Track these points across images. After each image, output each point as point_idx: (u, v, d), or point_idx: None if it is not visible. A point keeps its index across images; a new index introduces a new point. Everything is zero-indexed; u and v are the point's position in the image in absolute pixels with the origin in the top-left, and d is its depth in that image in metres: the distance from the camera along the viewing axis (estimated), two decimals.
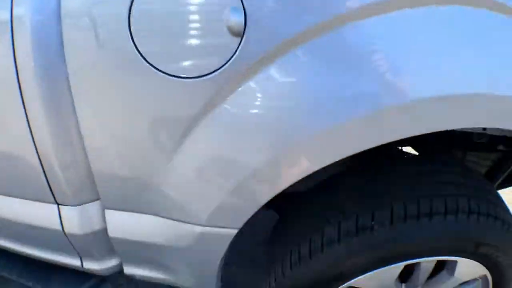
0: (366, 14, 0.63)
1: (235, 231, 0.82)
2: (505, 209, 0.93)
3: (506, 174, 1.21)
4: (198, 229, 0.83)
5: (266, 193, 0.75)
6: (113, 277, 1.54)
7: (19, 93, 0.78)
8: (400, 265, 0.88)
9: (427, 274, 0.95)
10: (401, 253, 0.85)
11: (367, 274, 0.88)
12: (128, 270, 1.00)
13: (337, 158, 0.70)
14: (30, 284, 1.07)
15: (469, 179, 0.93)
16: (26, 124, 0.80)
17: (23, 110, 0.79)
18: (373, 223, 0.82)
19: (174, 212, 0.84)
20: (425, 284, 1.00)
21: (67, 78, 0.74)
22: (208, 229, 0.82)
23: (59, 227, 0.93)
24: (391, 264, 0.87)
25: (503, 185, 1.43)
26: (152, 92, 0.73)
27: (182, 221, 0.84)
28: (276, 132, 0.70)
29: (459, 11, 0.67)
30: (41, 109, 0.77)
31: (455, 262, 0.91)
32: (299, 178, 0.72)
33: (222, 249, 0.84)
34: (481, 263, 0.93)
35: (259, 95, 0.70)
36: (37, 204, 0.93)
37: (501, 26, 0.69)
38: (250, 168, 0.73)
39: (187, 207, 0.82)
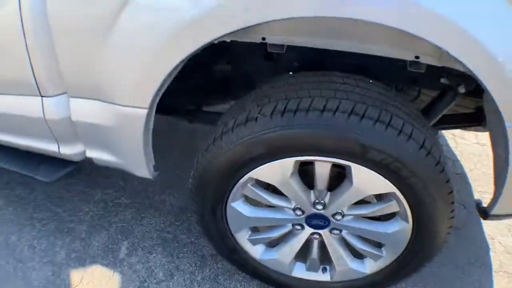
0: None
1: (145, 111, 1.05)
2: (410, 123, 0.97)
3: (446, 109, 1.24)
4: (121, 109, 1.08)
5: (160, 72, 0.97)
6: (102, 184, 1.90)
7: (21, 26, 1.08)
8: (290, 161, 1.02)
9: (325, 178, 1.06)
10: (283, 146, 0.99)
11: (262, 166, 1.04)
12: (89, 153, 1.29)
13: (213, 37, 0.88)
14: (23, 172, 1.43)
15: (371, 91, 1.01)
16: (24, 44, 1.11)
17: (23, 35, 1.09)
18: (258, 115, 0.98)
19: (107, 96, 1.10)
20: (333, 193, 1.11)
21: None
22: (126, 109, 1.07)
23: (41, 115, 1.24)
24: (280, 157, 1.01)
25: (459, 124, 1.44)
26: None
27: (112, 103, 1.09)
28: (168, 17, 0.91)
29: None
30: (33, 33, 1.08)
31: (350, 168, 1.01)
32: (185, 55, 0.92)
33: (139, 128, 1.08)
34: (383, 176, 0.99)
35: None
36: (27, 98, 1.25)
37: None
38: (152, 49, 0.95)
39: (114, 90, 1.07)
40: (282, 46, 1.12)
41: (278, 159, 1.02)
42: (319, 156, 1.00)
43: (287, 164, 1.03)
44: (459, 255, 1.62)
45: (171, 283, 1.47)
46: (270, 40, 1.08)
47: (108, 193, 1.89)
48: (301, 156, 1.01)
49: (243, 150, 1.02)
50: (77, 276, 1.50)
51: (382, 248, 1.22)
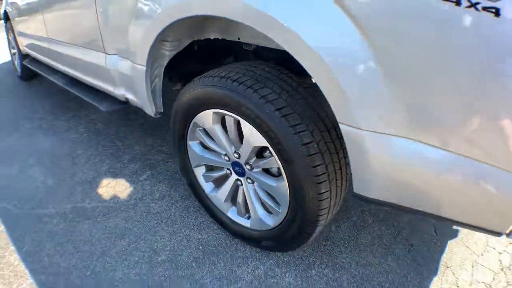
0: None
1: (144, 68, 1.76)
2: (278, 94, 1.30)
3: None
4: (135, 66, 1.81)
5: (147, 41, 1.67)
6: (156, 135, 2.70)
7: (95, 10, 1.96)
8: (209, 112, 1.54)
9: (233, 129, 1.53)
10: (202, 100, 1.52)
11: (198, 114, 1.61)
12: (126, 95, 2.09)
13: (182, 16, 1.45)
14: (92, 101, 2.32)
15: (268, 73, 1.41)
16: (97, 21, 1.98)
17: (96, 16, 1.98)
18: (196, 78, 1.59)
19: (131, 57, 1.85)
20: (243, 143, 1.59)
21: None
22: (135, 65, 1.80)
23: (104, 65, 2.11)
24: (204, 108, 1.56)
25: None
26: None
27: (132, 62, 1.85)
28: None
29: None
30: (101, 14, 1.94)
31: (239, 121, 1.44)
32: (158, 32, 1.59)
33: (143, 79, 1.80)
34: (257, 129, 1.35)
35: None
36: (98, 53, 2.13)
37: None
38: (144, 27, 1.66)
39: (133, 53, 1.83)
40: (250, 44, 1.69)
41: (204, 110, 1.56)
42: (222, 109, 1.47)
43: (208, 114, 1.55)
44: (398, 265, 1.72)
45: (159, 202, 2.15)
46: (242, 39, 1.64)
47: (157, 142, 2.71)
48: (214, 108, 1.50)
49: (187, 100, 1.60)
50: (106, 181, 2.32)
51: (280, 206, 1.52)
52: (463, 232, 1.95)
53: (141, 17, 1.67)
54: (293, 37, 1.12)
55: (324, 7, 1.06)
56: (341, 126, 1.17)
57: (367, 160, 1.17)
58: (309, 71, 1.15)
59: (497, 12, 0.86)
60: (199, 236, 1.91)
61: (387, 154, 1.13)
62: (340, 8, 1.03)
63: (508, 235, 1.12)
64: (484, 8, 0.87)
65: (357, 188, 1.28)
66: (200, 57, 2.09)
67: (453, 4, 0.89)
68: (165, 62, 1.84)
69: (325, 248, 1.84)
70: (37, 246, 1.91)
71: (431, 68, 0.97)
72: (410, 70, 1.00)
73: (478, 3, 0.87)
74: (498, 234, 1.12)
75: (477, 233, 1.95)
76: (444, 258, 1.79)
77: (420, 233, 1.93)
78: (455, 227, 2.00)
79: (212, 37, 1.75)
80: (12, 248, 1.92)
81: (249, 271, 1.70)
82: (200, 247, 1.84)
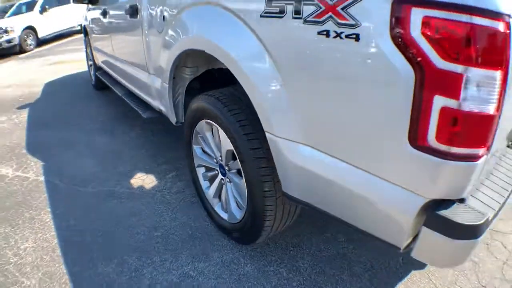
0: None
1: (167, 85, 2.34)
2: (242, 110, 1.71)
3: None
4: (162, 83, 2.42)
5: (169, 65, 2.24)
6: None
7: (143, 40, 2.64)
8: (203, 121, 2.05)
9: (217, 135, 1.97)
10: (198, 112, 2.01)
11: (198, 123, 2.12)
12: (159, 106, 2.68)
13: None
14: (138, 109, 2.98)
15: (235, 90, 1.84)
16: (143, 50, 2.65)
17: (143, 45, 2.65)
18: (197, 96, 2.11)
19: (160, 76, 2.44)
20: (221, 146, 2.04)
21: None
22: (163, 83, 2.39)
23: (147, 81, 2.75)
24: (200, 119, 2.06)
25: None
26: None
27: (161, 80, 2.45)
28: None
29: None
30: (145, 44, 2.60)
31: (217, 128, 1.90)
32: (174, 58, 2.16)
33: (166, 94, 2.38)
34: (227, 135, 1.78)
35: None
36: (144, 72, 2.78)
37: None
38: (167, 55, 2.26)
39: (161, 74, 2.43)
40: None
41: (201, 120, 2.03)
42: (209, 120, 1.93)
43: (203, 124, 2.03)
44: (350, 281, 1.86)
45: (174, 195, 2.66)
46: None
47: None
48: (206, 119, 1.98)
49: (191, 111, 2.09)
50: (139, 175, 2.92)
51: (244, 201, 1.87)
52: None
53: (165, 48, 2.26)
54: (233, 62, 1.57)
55: (249, 39, 1.49)
56: (266, 133, 1.52)
57: (283, 162, 1.49)
58: (245, 89, 1.56)
59: (357, 37, 1.08)
60: (192, 224, 2.36)
61: (295, 158, 1.43)
62: (259, 42, 1.42)
63: (403, 250, 1.24)
64: (347, 36, 1.10)
65: (283, 187, 1.59)
66: (218, 82, 2.61)
67: (324, 36, 1.17)
68: (186, 83, 2.39)
69: (290, 252, 2.10)
70: (68, 211, 2.55)
71: (316, 89, 1.26)
72: (302, 90, 1.31)
73: (342, 32, 1.12)
74: (397, 248, 1.25)
75: (447, 269, 1.93)
76: (402, 285, 1.83)
77: (387, 259, 1.99)
78: None
79: (223, 67, 2.24)
80: (48, 209, 2.59)
81: (219, 255, 2.09)
82: (190, 232, 2.29)
